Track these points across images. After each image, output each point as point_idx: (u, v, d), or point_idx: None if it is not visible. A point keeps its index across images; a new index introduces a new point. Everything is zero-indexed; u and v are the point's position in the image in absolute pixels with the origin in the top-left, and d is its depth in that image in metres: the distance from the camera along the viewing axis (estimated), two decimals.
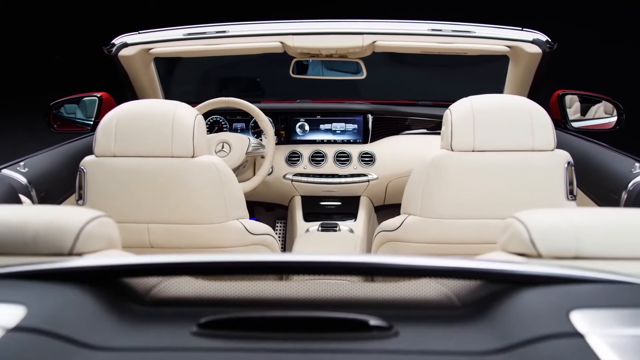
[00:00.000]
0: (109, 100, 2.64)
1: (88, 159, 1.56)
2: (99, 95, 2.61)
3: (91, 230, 0.81)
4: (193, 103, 2.63)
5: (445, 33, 2.10)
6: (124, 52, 2.11)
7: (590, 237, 0.75)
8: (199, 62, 3.11)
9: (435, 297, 0.73)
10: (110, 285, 0.71)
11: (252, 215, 3.20)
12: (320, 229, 2.38)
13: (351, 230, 2.45)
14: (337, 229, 2.38)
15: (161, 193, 1.53)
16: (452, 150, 1.54)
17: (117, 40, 2.12)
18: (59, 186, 1.95)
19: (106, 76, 2.73)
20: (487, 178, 1.53)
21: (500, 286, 0.70)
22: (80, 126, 2.67)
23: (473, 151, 1.53)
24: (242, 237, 1.63)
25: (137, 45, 2.09)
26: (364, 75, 2.32)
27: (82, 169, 1.55)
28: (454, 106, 1.60)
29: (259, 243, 1.70)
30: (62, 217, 0.80)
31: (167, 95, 2.82)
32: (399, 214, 2.97)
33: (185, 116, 1.54)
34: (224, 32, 2.11)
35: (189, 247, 1.60)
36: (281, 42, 2.13)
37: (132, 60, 2.16)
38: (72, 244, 0.78)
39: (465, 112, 1.55)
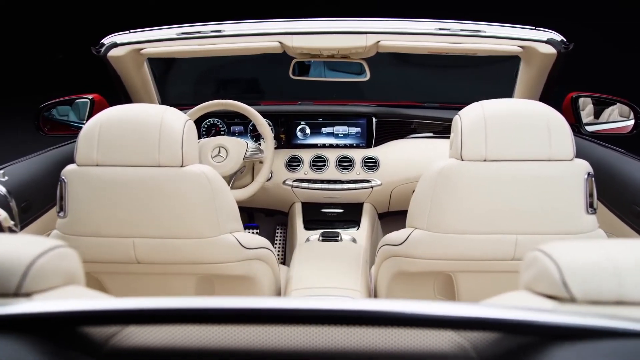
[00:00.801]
0: (101, 102, 2.53)
1: (69, 168, 1.45)
2: (90, 97, 2.50)
3: (44, 265, 0.69)
4: (190, 105, 2.53)
5: (454, 32, 1.98)
6: (113, 53, 2.00)
7: (636, 277, 0.63)
8: (196, 62, 3.00)
9: (449, 348, 0.62)
10: (59, 334, 0.60)
11: (252, 222, 3.09)
12: (321, 238, 2.26)
13: (354, 240, 2.33)
14: (339, 238, 2.26)
15: (147, 205, 1.42)
16: (462, 160, 1.42)
17: (107, 40, 2.01)
18: (42, 196, 1.84)
19: (109, 76, 2.62)
20: (500, 190, 1.41)
21: (526, 338, 0.58)
22: (74, 129, 2.56)
23: (485, 161, 1.41)
24: (235, 252, 1.51)
25: (127, 46, 1.98)
26: (367, 76, 2.21)
27: (63, 179, 1.44)
28: (464, 112, 1.48)
29: (254, 258, 1.58)
30: (8, 248, 0.68)
31: (163, 97, 2.72)
32: (403, 221, 2.85)
33: (174, 122, 1.43)
34: (220, 31, 2.00)
35: (178, 263, 1.49)
36: (280, 42, 2.01)
37: (122, 61, 2.05)
38: (19, 282, 0.65)
39: (476, 118, 1.43)
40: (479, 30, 1.97)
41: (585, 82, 2.73)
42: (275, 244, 3.02)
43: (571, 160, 1.41)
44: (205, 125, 2.65)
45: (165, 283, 1.56)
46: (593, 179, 1.43)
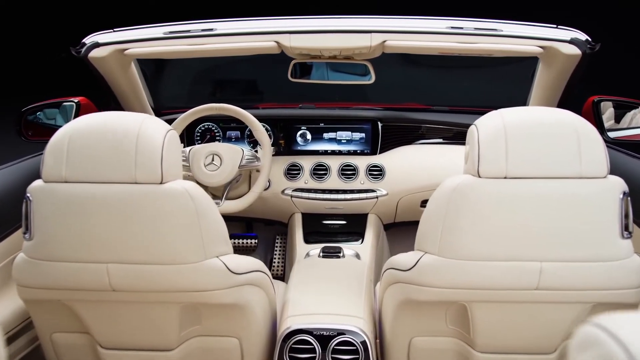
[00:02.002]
0: (88, 106, 2.37)
1: (35, 184, 1.29)
2: (76, 101, 2.35)
3: None
4: (183, 108, 2.37)
5: (467, 31, 1.81)
6: (95, 53, 1.83)
7: None
8: (191, 62, 2.84)
9: None
10: None
11: (250, 231, 2.94)
12: (321, 254, 2.09)
13: (357, 256, 2.16)
14: (341, 254, 2.09)
15: (122, 227, 1.26)
16: (479, 177, 1.25)
17: (88, 40, 1.85)
18: (8, 215, 1.67)
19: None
20: (523, 212, 1.23)
21: None
22: None
23: (505, 178, 1.24)
24: (223, 278, 1.35)
25: (110, 46, 1.81)
26: (372, 79, 2.03)
27: (28, 196, 1.28)
28: (481, 122, 1.31)
29: (245, 283, 1.42)
30: None
31: (155, 100, 2.56)
32: (410, 232, 2.67)
33: (153, 133, 1.26)
34: (211, 30, 1.83)
35: (159, 291, 1.32)
36: (277, 42, 1.84)
37: (106, 62, 1.89)
38: None
39: (496, 129, 1.25)
40: (494, 29, 1.79)
41: (598, 84, 2.56)
42: (275, 254, 2.86)
43: (604, 177, 1.24)
44: (200, 130, 2.49)
45: (145, 312, 1.39)
46: (629, 198, 1.25)
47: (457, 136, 2.43)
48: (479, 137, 1.27)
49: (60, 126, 2.45)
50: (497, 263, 1.27)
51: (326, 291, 1.76)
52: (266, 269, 1.57)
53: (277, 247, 2.93)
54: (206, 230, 1.30)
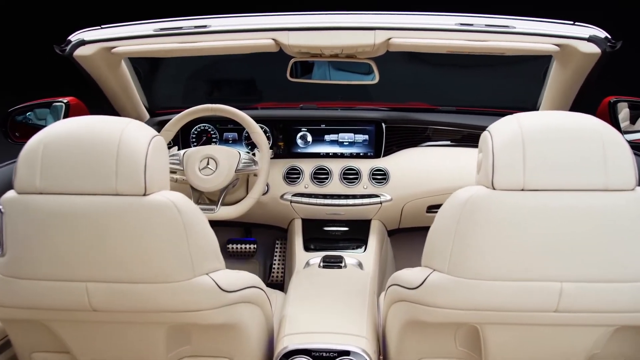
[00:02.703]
0: (78, 107, 2.26)
1: (7, 195, 1.18)
2: (65, 101, 2.24)
3: None
4: (179, 108, 2.26)
5: (478, 28, 1.69)
6: (81, 52, 1.72)
7: None
8: (187, 60, 2.72)
9: None
10: None
11: (249, 235, 2.83)
12: (322, 264, 1.98)
13: (360, 265, 2.05)
14: (342, 264, 1.98)
15: (102, 242, 1.15)
16: (494, 189, 1.14)
17: (74, 37, 1.74)
18: None
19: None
20: (542, 227, 1.12)
21: None
22: None
23: (522, 190, 1.12)
24: (213, 297, 1.24)
25: (96, 43, 1.70)
26: (376, 79, 1.92)
27: (0, 209, 1.17)
28: (496, 128, 1.19)
29: (239, 301, 1.31)
30: None
31: (150, 100, 2.45)
32: (416, 239, 2.55)
33: (136, 140, 1.15)
34: (205, 27, 1.72)
35: (143, 311, 1.22)
36: (274, 40, 1.73)
37: (92, 61, 1.78)
38: None
39: (512, 136, 1.14)
40: (507, 26, 1.68)
41: (612, 83, 2.44)
42: (275, 259, 2.75)
43: (632, 190, 1.13)
44: (195, 132, 2.38)
45: (128, 332, 1.29)
46: None
47: (466, 138, 2.32)
48: (493, 144, 1.15)
49: None
50: (512, 283, 1.16)
51: (326, 306, 1.65)
52: (262, 284, 1.46)
53: (276, 252, 2.82)
54: (195, 246, 1.19)
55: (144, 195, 1.14)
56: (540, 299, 1.16)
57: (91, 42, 1.70)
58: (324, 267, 1.97)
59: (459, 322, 1.26)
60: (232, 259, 2.85)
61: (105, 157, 1.13)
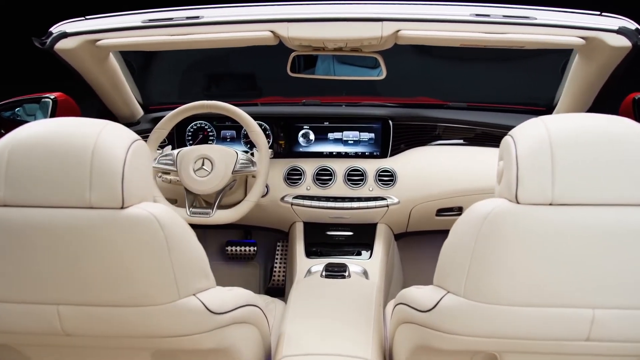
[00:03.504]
0: (66, 103, 2.14)
1: None
2: (52, 97, 2.12)
3: None
4: (175, 104, 2.13)
5: (495, 19, 1.54)
6: (62, 45, 1.59)
7: None
8: (183, 53, 2.58)
9: None
10: None
11: (249, 237, 2.71)
12: (324, 273, 1.85)
13: (365, 273, 1.92)
14: (346, 273, 1.85)
15: (75, 261, 1.02)
16: (517, 203, 1.00)
17: (56, 29, 1.60)
18: None
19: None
20: (573, 247, 0.98)
21: None
22: None
23: (551, 205, 0.98)
24: (202, 320, 1.11)
25: (79, 36, 1.57)
26: (383, 74, 1.78)
27: None
28: (520, 132, 1.05)
29: (231, 323, 1.18)
30: None
31: (144, 96, 2.32)
32: (424, 243, 2.43)
33: (113, 146, 1.02)
34: (197, 17, 1.58)
35: (122, 336, 1.09)
36: (272, 32, 1.59)
37: (76, 55, 1.65)
38: None
39: (539, 142, 1.00)
40: (527, 17, 1.53)
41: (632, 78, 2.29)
42: (276, 262, 2.62)
43: None
44: (192, 129, 2.25)
45: (107, 359, 1.16)
46: None
47: (480, 137, 2.18)
48: (517, 152, 1.01)
49: None
50: (538, 309, 1.02)
51: (329, 324, 1.52)
52: (258, 301, 1.33)
53: (278, 254, 2.69)
54: (179, 264, 1.06)
55: (122, 208, 1.01)
56: (569, 327, 1.02)
57: (73, 34, 1.57)
58: (326, 276, 1.83)
59: (476, 350, 1.13)
60: (231, 261, 2.73)
61: (78, 165, 0.99)
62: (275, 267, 2.66)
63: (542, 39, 1.55)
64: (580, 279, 0.99)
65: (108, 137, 1.03)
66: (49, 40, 1.58)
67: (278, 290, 2.60)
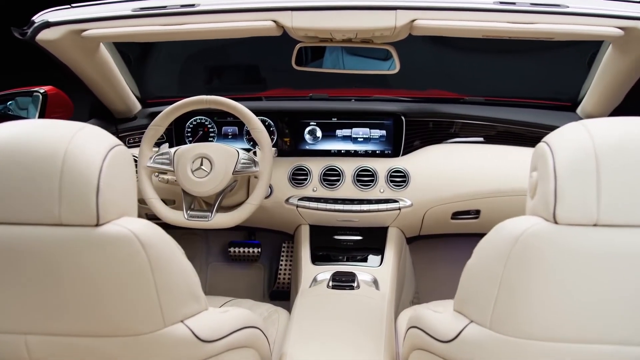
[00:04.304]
0: (57, 97, 2.01)
1: None
2: (42, 91, 1.99)
3: None
4: (174, 98, 2.00)
5: (521, 8, 1.39)
6: (45, 35, 1.45)
7: None
8: (183, 44, 2.44)
9: None
10: None
11: (253, 238, 2.58)
12: (331, 283, 1.72)
13: (375, 283, 1.78)
14: (355, 284, 1.71)
15: (44, 285, 0.89)
16: (556, 223, 0.85)
17: (38, 18, 1.47)
18: None
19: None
20: (621, 275, 0.84)
21: None
22: None
23: (595, 226, 0.84)
24: (191, 350, 0.98)
25: (63, 26, 1.43)
26: (396, 68, 1.63)
27: None
28: (558, 139, 0.90)
29: (226, 349, 1.05)
30: None
31: (142, 89, 2.19)
32: (439, 248, 2.29)
33: (87, 153, 0.88)
34: (192, 5, 1.44)
35: None
36: (275, 21, 1.45)
37: (60, 46, 1.51)
38: None
39: (582, 152, 0.85)
40: (558, 5, 1.37)
41: None
42: (281, 264, 2.50)
43: None
44: (191, 126, 2.12)
45: None
46: None
47: (501, 135, 2.02)
48: (554, 162, 0.86)
49: (32, 119, 2.11)
50: (579, 346, 0.88)
51: (335, 344, 1.38)
52: (257, 320, 1.20)
53: (283, 255, 2.57)
54: (165, 287, 0.93)
55: (97, 225, 0.88)
56: None
57: (57, 24, 1.43)
58: (333, 287, 1.70)
59: None
60: (234, 263, 2.60)
61: (46, 175, 0.86)
62: (281, 269, 2.54)
63: (574, 30, 1.39)
64: (630, 311, 0.85)
65: (82, 142, 0.89)
66: (30, 31, 1.44)
67: (283, 293, 2.47)
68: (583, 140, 0.86)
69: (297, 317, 1.52)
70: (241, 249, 2.55)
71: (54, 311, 0.91)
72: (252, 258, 2.58)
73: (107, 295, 0.90)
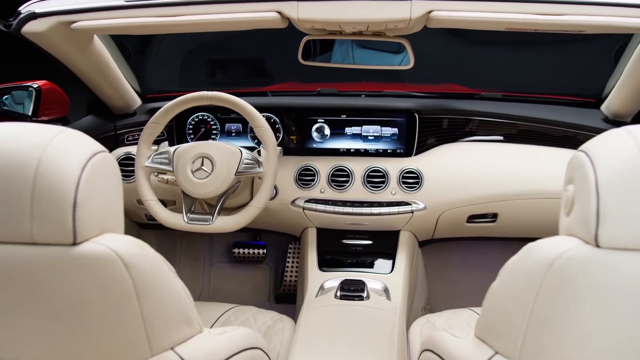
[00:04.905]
0: (51, 92, 1.91)
1: None
2: (35, 86, 1.89)
3: None
4: (176, 92, 1.90)
5: None
6: (31, 27, 1.35)
7: None
8: (184, 35, 2.33)
9: None
10: None
11: (258, 238, 2.49)
12: (339, 293, 1.62)
13: (386, 291, 1.68)
14: (365, 294, 1.61)
15: (15, 311, 0.80)
16: (598, 247, 0.74)
17: (25, 9, 1.36)
18: None
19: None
20: None
21: None
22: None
23: None
24: None
25: (50, 17, 1.33)
26: (410, 63, 1.52)
27: None
28: (599, 148, 0.78)
29: None
30: None
31: (142, 83, 2.08)
32: (453, 252, 2.17)
33: (62, 162, 0.78)
34: None
35: None
36: (279, 12, 1.34)
37: (48, 39, 1.41)
38: None
39: (628, 163, 0.73)
40: None
41: None
42: (288, 265, 2.40)
43: None
44: (193, 122, 2.01)
45: None
46: None
47: (522, 134, 1.90)
48: (596, 176, 0.75)
49: (27, 114, 2.01)
50: None
51: None
52: (259, 340, 1.10)
53: (289, 257, 2.47)
54: (151, 313, 0.83)
55: (74, 244, 0.78)
56: None
57: (44, 15, 1.33)
58: (341, 297, 1.60)
59: None
60: (239, 264, 2.51)
61: (16, 189, 0.76)
62: (287, 271, 2.44)
63: (609, 22, 1.27)
64: None
65: (57, 150, 0.79)
66: (15, 22, 1.34)
67: (289, 296, 2.38)
68: (629, 150, 0.74)
69: (303, 331, 1.42)
70: (246, 250, 2.46)
71: (26, 339, 0.81)
72: (258, 259, 2.48)
73: (86, 322, 0.80)
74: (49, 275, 0.78)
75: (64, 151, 0.79)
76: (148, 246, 0.85)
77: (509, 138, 1.90)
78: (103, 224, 0.82)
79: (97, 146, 0.84)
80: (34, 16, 1.34)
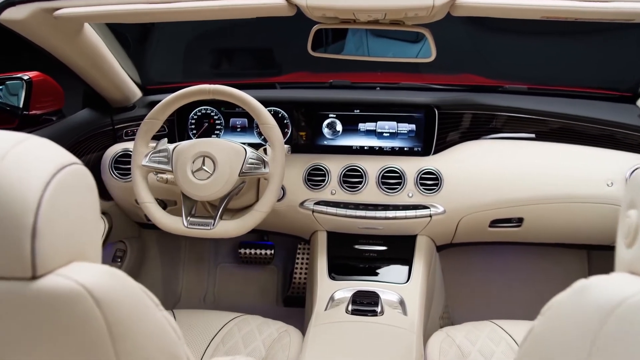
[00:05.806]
0: (44, 84, 1.79)
1: None
2: (26, 78, 1.77)
3: None
4: (178, 84, 1.77)
5: None
6: (10, 15, 1.22)
7: None
8: (187, 24, 2.20)
9: None
10: None
11: (266, 239, 2.37)
12: (351, 307, 1.49)
13: (402, 304, 1.55)
14: (379, 308, 1.48)
15: None
16: None
17: None
18: None
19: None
20: None
21: None
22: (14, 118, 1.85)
23: None
24: None
25: (30, 4, 1.20)
26: (432, 55, 1.37)
27: None
28: None
29: None
30: None
31: (142, 75, 1.95)
32: (469, 254, 2.03)
33: (19, 181, 0.65)
34: None
35: None
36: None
37: (30, 27, 1.28)
38: None
39: None
40: None
41: None
42: (297, 266, 2.28)
43: None
44: (195, 117, 1.88)
45: None
46: None
47: (553, 131, 1.75)
48: None
49: (18, 107, 1.88)
50: None
51: None
52: None
53: (298, 257, 2.35)
54: (130, 355, 0.70)
55: (32, 278, 0.65)
56: None
57: (23, 1, 1.20)
58: (353, 312, 1.47)
59: None
60: (246, 265, 2.40)
61: None
62: (296, 272, 2.32)
63: None
64: None
65: (15, 165, 0.65)
66: None
67: (298, 299, 2.26)
68: None
69: (310, 349, 1.30)
70: (253, 251, 2.34)
71: None
72: (265, 260, 2.36)
73: None
74: (7, 314, 0.65)
75: (22, 166, 0.65)
76: (125, 275, 0.72)
77: (540, 136, 1.74)
78: (72, 251, 0.69)
79: (66, 158, 0.71)
80: (12, 2, 1.21)
